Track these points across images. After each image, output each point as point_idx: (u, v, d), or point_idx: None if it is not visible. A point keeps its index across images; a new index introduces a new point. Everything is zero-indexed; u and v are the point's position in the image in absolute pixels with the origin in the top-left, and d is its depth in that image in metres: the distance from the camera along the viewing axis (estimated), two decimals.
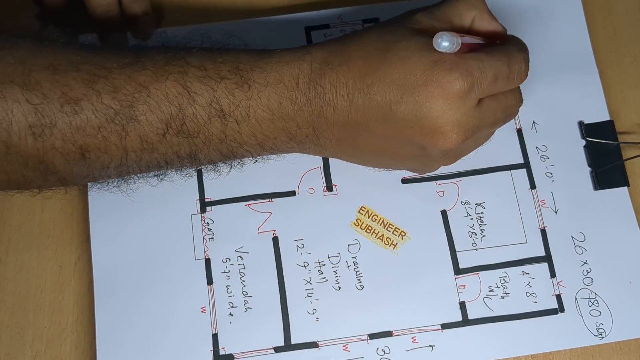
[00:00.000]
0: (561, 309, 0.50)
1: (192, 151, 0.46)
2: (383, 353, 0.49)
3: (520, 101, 0.48)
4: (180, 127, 0.44)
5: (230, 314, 0.50)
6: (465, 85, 0.43)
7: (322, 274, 0.51)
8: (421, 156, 0.47)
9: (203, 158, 0.47)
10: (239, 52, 0.46)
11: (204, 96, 0.44)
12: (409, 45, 0.44)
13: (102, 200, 0.51)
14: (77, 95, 0.42)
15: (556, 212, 0.52)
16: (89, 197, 0.51)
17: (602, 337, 0.50)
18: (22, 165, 0.43)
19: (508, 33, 0.48)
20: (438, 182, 0.53)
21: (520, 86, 0.55)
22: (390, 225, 0.52)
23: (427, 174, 0.53)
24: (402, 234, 0.52)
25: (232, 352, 0.49)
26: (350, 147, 0.47)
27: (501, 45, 0.46)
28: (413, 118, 0.44)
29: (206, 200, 0.52)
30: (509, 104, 0.47)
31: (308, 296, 0.50)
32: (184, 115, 0.44)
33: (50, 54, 0.43)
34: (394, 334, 0.49)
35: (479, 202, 0.53)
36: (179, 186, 0.52)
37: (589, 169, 0.54)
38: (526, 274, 0.51)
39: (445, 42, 0.42)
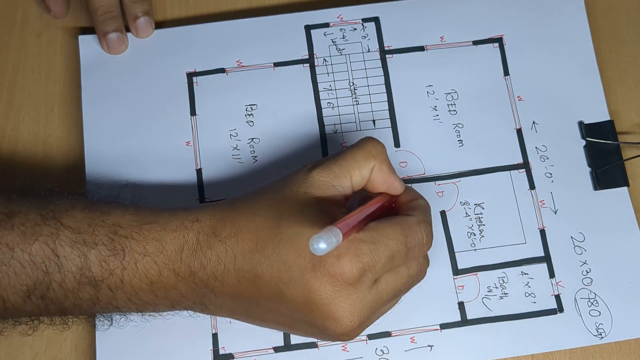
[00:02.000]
0: (560, 309, 0.50)
1: (62, 312, 0.43)
2: (382, 353, 0.49)
3: (425, 266, 0.46)
4: (44, 292, 0.41)
5: None
6: (355, 272, 0.40)
7: None
8: (318, 333, 0.44)
9: (78, 316, 0.45)
10: (123, 213, 0.43)
11: (74, 262, 0.41)
12: (299, 221, 0.41)
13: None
14: None
15: (556, 213, 0.52)
16: (88, 197, 0.51)
17: (602, 337, 0.50)
18: None
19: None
20: (437, 182, 0.53)
21: (522, 86, 0.55)
22: None
23: (427, 174, 0.53)
24: None
25: (232, 352, 0.49)
26: (244, 316, 0.45)
27: (399, 218, 0.43)
28: (302, 301, 0.41)
29: (206, 200, 0.52)
30: (411, 274, 0.44)
31: None
32: (51, 280, 0.41)
33: None
34: (393, 334, 0.49)
35: (478, 203, 0.53)
36: (179, 186, 0.52)
37: (588, 169, 0.54)
38: (525, 274, 0.51)
39: (322, 244, 0.35)
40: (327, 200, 0.43)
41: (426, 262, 0.46)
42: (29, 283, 0.41)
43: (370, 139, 0.45)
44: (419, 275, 0.45)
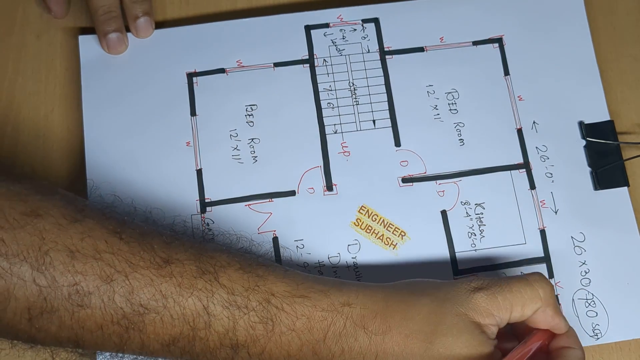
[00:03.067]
0: None
1: None
2: None
3: None
4: (186, 346, 0.41)
5: None
6: None
7: (322, 274, 0.51)
8: None
9: None
10: (276, 280, 0.43)
11: (222, 323, 0.41)
12: (455, 345, 0.41)
13: (102, 201, 0.52)
14: (89, 288, 0.39)
15: (556, 213, 0.53)
16: (89, 197, 0.51)
17: (598, 338, 0.50)
18: (11, 335, 0.41)
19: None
20: (438, 181, 0.53)
21: (522, 86, 0.55)
22: (390, 225, 0.52)
23: (428, 173, 0.53)
24: (402, 233, 0.52)
25: None
26: None
27: None
28: None
29: (206, 200, 0.52)
30: None
31: None
32: (195, 336, 0.41)
33: (77, 234, 0.40)
34: None
35: (478, 203, 0.53)
36: (179, 187, 0.52)
37: (589, 169, 0.54)
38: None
39: None
40: (482, 327, 0.42)
41: None
42: (173, 334, 0.41)
43: (539, 278, 0.44)
44: None
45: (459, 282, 0.44)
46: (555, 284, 0.51)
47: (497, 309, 0.42)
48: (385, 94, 0.55)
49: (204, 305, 0.41)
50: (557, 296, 0.51)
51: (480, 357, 0.41)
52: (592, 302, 0.50)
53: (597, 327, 0.50)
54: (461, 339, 0.41)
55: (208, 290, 0.41)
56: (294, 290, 0.43)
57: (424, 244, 0.52)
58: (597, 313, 0.50)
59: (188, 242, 0.44)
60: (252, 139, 0.54)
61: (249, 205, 0.52)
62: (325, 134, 0.54)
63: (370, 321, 0.42)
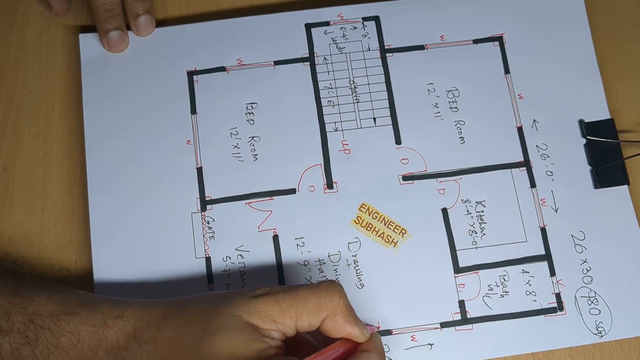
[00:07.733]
0: (560, 307, 0.50)
1: None
2: None
3: None
4: None
5: None
6: None
7: (322, 272, 0.51)
8: None
9: None
10: (46, 301, 0.43)
11: None
12: (222, 340, 0.40)
13: (102, 199, 0.52)
14: None
15: (556, 211, 0.52)
16: (89, 196, 0.52)
17: (602, 336, 0.50)
18: None
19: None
20: (439, 179, 0.53)
21: (522, 85, 0.55)
22: (391, 223, 0.52)
23: (429, 171, 0.53)
24: (403, 231, 0.52)
25: None
26: None
27: None
28: None
29: (206, 198, 0.52)
30: None
31: None
32: None
33: None
34: (394, 333, 0.50)
35: (479, 200, 0.53)
36: (179, 185, 0.52)
37: (589, 167, 0.54)
38: (526, 272, 0.51)
39: None
40: (259, 330, 0.41)
41: None
42: None
43: (328, 287, 0.43)
44: None
45: (245, 289, 0.43)
46: (558, 281, 0.51)
47: (280, 315, 0.41)
48: (386, 92, 0.55)
49: None
50: (559, 294, 0.50)
51: (252, 355, 0.40)
52: (595, 300, 0.50)
53: (600, 324, 0.50)
54: (229, 335, 0.40)
55: None
56: (63, 309, 0.43)
57: (425, 242, 0.52)
58: (600, 311, 0.50)
59: None
60: (253, 137, 0.54)
61: (249, 203, 0.52)
62: (325, 132, 0.54)
63: (142, 331, 0.42)
